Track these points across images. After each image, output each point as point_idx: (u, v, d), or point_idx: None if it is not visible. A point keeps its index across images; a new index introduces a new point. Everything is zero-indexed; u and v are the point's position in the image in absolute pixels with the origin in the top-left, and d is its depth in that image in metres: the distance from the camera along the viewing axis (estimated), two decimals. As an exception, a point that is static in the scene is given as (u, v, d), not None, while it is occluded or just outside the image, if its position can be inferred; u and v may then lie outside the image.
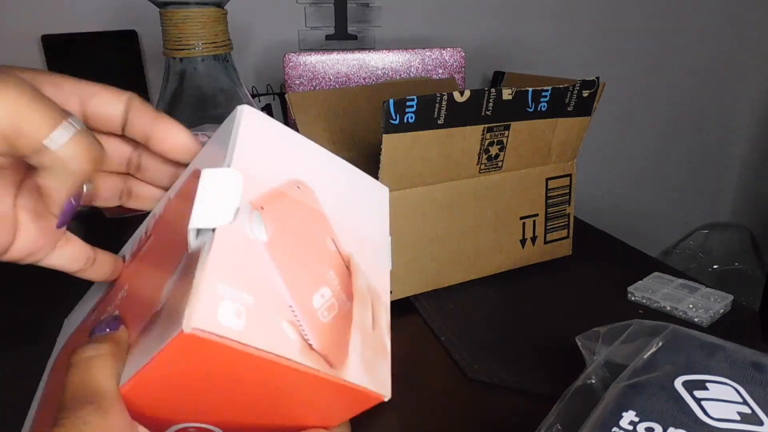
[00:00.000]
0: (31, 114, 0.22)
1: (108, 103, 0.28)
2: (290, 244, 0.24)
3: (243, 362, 0.21)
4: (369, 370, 0.24)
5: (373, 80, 0.89)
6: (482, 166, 0.62)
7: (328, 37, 1.05)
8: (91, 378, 0.22)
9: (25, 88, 0.22)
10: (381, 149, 0.55)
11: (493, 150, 0.61)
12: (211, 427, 0.24)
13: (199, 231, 0.22)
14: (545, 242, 0.69)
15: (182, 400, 0.23)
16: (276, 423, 0.24)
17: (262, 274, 0.22)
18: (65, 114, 0.23)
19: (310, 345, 0.22)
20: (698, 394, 0.36)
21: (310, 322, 0.23)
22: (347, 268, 0.26)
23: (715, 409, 0.35)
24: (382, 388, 0.24)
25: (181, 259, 0.23)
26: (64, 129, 0.23)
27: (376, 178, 0.56)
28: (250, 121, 0.26)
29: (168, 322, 0.21)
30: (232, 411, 0.24)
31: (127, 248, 0.33)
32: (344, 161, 0.30)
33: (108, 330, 0.24)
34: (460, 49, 0.92)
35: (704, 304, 0.58)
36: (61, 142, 0.23)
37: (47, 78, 0.26)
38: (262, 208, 0.23)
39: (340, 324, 0.24)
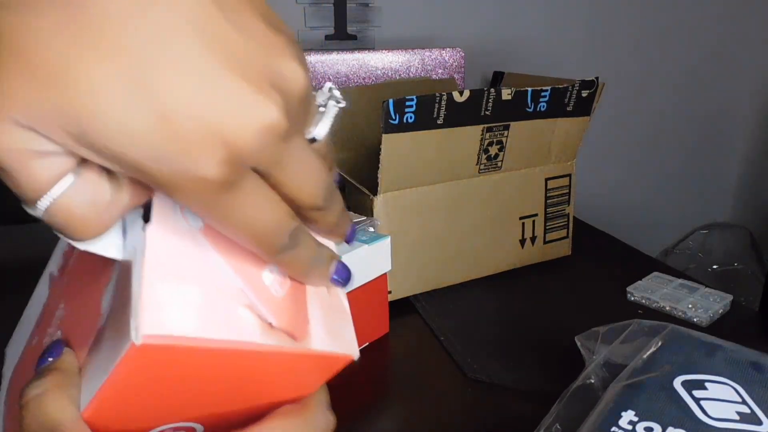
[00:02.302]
0: None
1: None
2: None
3: (205, 357, 0.20)
4: (333, 335, 0.24)
5: (373, 80, 0.89)
6: (482, 166, 0.62)
7: (327, 37, 1.05)
8: (45, 415, 0.21)
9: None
10: (381, 149, 0.55)
11: (493, 150, 0.61)
12: (188, 424, 0.24)
13: (126, 235, 0.21)
14: (545, 242, 0.69)
15: (151, 407, 0.22)
16: (252, 405, 0.24)
17: (206, 263, 0.21)
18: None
19: (270, 324, 0.22)
20: (697, 393, 0.36)
21: (265, 301, 0.22)
22: None
23: (714, 409, 0.35)
24: (349, 349, 0.24)
25: (115, 266, 0.22)
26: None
27: (376, 178, 0.57)
28: None
29: (116, 337, 0.20)
30: (206, 405, 0.23)
31: (54, 263, 0.32)
32: None
33: (51, 359, 0.23)
34: (459, 49, 0.92)
35: (703, 304, 0.58)
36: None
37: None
38: None
39: (295, 295, 0.24)
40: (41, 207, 0.19)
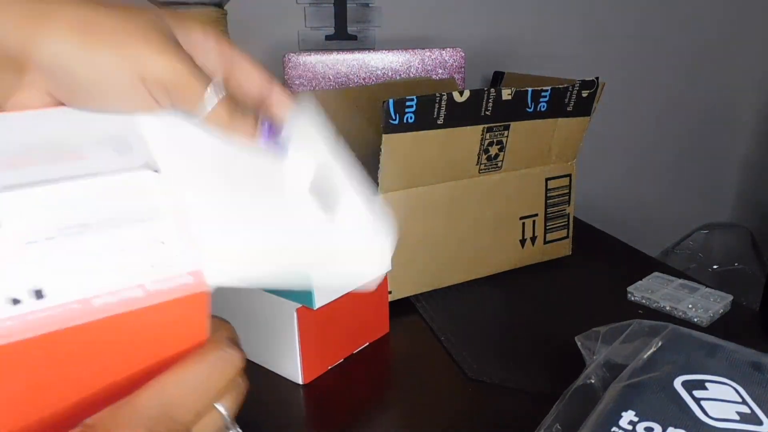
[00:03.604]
0: (187, 78, 0.25)
1: (248, 80, 0.29)
2: None
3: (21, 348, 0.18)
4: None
5: (373, 80, 0.89)
6: (482, 166, 0.62)
7: (328, 38, 1.05)
8: None
9: (180, 54, 0.25)
10: (381, 149, 0.55)
11: (493, 150, 0.61)
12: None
13: None
14: (545, 242, 0.69)
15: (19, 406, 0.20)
16: (142, 368, 0.22)
17: None
18: (209, 79, 0.26)
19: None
20: (698, 393, 0.36)
21: None
22: None
23: (714, 409, 0.35)
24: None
25: None
26: (212, 93, 0.26)
27: (376, 178, 0.56)
28: None
29: None
30: (90, 385, 0.21)
31: None
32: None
33: None
34: (460, 49, 0.92)
35: (704, 304, 0.58)
36: (209, 107, 0.26)
37: (193, 37, 0.27)
38: None
39: None
40: None
